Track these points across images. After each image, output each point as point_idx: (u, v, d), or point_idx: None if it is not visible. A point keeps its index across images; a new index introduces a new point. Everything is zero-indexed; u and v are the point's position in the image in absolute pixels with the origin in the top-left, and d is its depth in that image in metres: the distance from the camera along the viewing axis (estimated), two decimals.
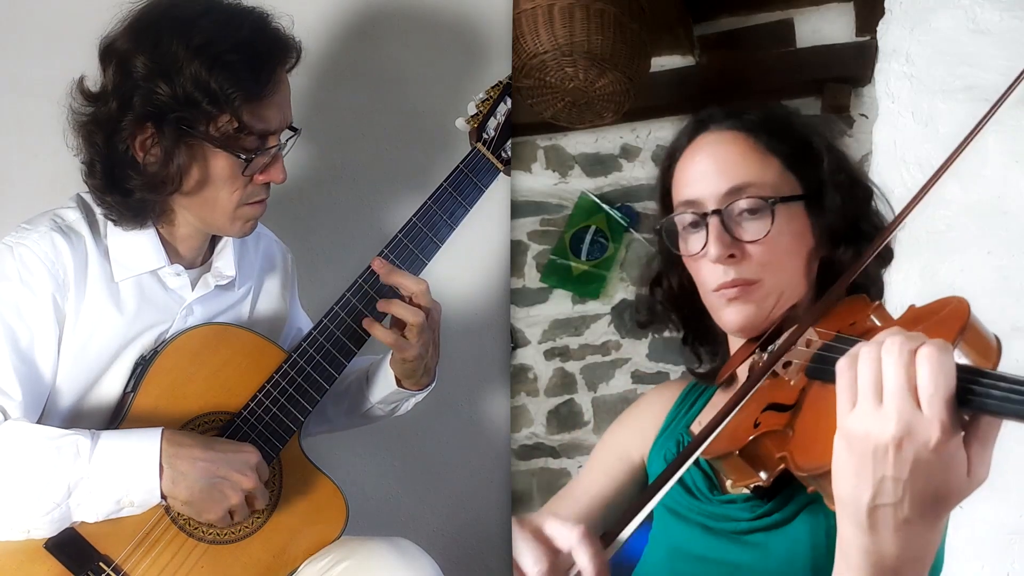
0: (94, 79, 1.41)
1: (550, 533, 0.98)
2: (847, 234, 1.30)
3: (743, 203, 1.26)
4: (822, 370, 1.08)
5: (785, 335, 1.17)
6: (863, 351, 0.92)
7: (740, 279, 1.25)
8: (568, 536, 0.97)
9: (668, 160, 1.36)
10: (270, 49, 1.41)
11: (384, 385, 1.59)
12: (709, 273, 1.27)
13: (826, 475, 0.96)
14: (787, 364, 1.13)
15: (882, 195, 1.36)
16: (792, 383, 1.12)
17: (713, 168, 1.29)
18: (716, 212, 1.26)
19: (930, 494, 0.89)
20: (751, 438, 1.10)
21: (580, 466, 1.97)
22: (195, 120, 1.36)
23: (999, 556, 1.66)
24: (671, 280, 1.38)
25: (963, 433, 0.89)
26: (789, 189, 1.28)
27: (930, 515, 0.91)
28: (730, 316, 1.27)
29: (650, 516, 1.38)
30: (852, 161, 1.37)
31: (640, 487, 1.38)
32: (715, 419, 1.09)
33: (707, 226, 1.26)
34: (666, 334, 1.95)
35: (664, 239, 1.33)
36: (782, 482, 1.14)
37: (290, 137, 1.46)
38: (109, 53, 1.39)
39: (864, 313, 1.14)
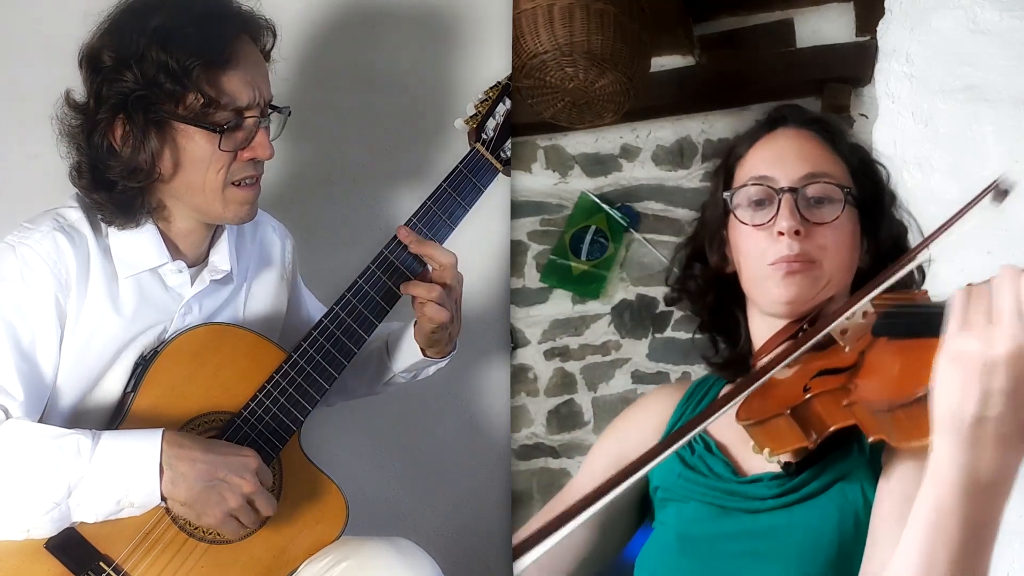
0: (82, 93, 1.43)
1: None
2: (888, 255, 1.36)
3: (817, 188, 1.32)
4: (893, 324, 1.13)
5: (845, 303, 1.22)
6: (977, 284, 0.99)
7: (802, 255, 1.30)
8: None
9: (740, 144, 1.41)
10: (226, 19, 1.43)
11: (409, 355, 1.62)
12: (769, 246, 1.32)
13: (906, 406, 1.01)
14: (843, 333, 1.18)
15: (919, 229, 1.42)
16: (848, 349, 1.17)
17: (792, 154, 1.35)
18: (791, 190, 1.31)
19: None
20: (805, 399, 1.14)
21: (580, 466, 1.97)
22: (159, 101, 1.38)
23: (999, 556, 1.65)
24: (712, 257, 1.41)
25: None
26: (854, 192, 1.35)
27: None
28: (782, 290, 1.30)
29: (651, 515, 1.39)
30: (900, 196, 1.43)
31: (639, 492, 1.39)
32: (768, 365, 1.15)
33: (778, 202, 1.31)
34: (667, 333, 1.96)
35: (726, 209, 1.37)
36: (815, 456, 1.19)
37: (271, 112, 1.46)
38: (84, 57, 1.42)
39: (910, 299, 1.18)
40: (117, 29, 1.41)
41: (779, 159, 1.35)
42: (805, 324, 1.29)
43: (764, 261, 1.32)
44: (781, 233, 1.30)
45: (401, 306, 1.57)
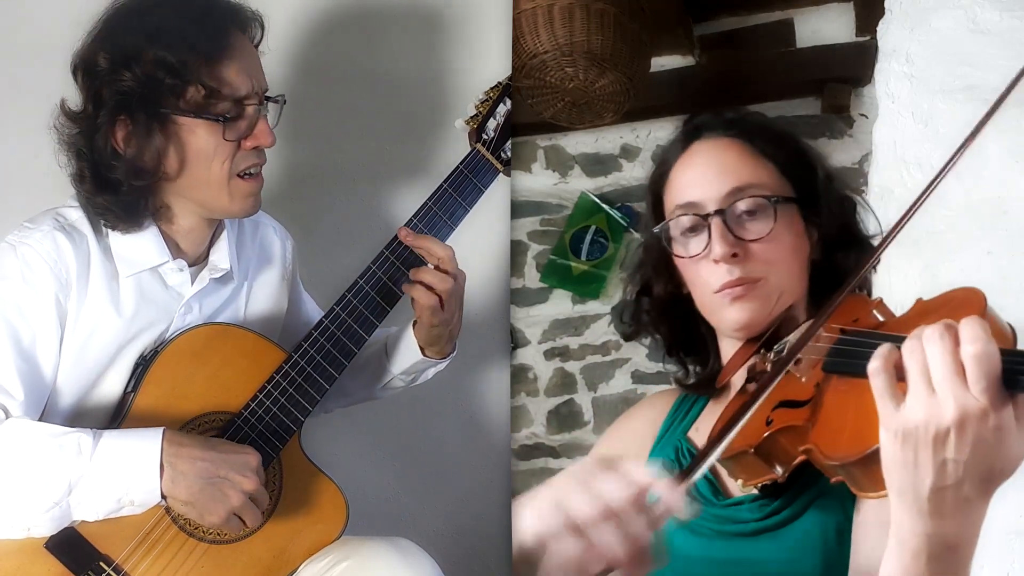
0: (77, 101, 1.44)
1: (626, 469, 1.00)
2: (839, 240, 1.31)
3: (745, 203, 1.28)
4: (841, 363, 1.09)
5: (799, 331, 1.19)
6: (904, 347, 0.94)
7: (745, 277, 1.27)
8: (643, 472, 1.00)
9: (661, 167, 1.37)
10: (219, 13, 1.44)
11: (408, 355, 1.61)
12: (711, 274, 1.28)
13: (858, 463, 0.99)
14: (797, 361, 1.14)
15: (866, 204, 1.38)
16: (804, 379, 1.13)
17: (713, 171, 1.30)
18: (718, 212, 1.27)
19: (987, 470, 0.92)
20: (766, 435, 1.12)
21: None
22: (162, 97, 1.39)
23: (999, 556, 1.66)
24: (660, 288, 1.38)
25: (1012, 409, 0.91)
26: (786, 192, 1.30)
27: (986, 491, 0.94)
28: (734, 315, 1.28)
29: None
30: (838, 172, 1.39)
31: None
32: (736, 413, 1.11)
33: (708, 228, 1.28)
34: None
35: (663, 243, 1.34)
36: (791, 479, 1.16)
37: (268, 99, 1.47)
38: (78, 64, 1.43)
39: (866, 310, 1.15)
40: (109, 32, 1.42)
41: (701, 180, 1.30)
42: (762, 344, 1.26)
43: (710, 290, 1.29)
44: (717, 261, 1.27)
45: (402, 307, 1.57)
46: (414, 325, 1.59)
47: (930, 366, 0.91)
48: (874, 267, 1.36)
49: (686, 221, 1.30)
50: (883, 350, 0.95)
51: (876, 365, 0.94)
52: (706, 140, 1.34)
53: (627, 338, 1.47)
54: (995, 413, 0.90)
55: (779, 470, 1.13)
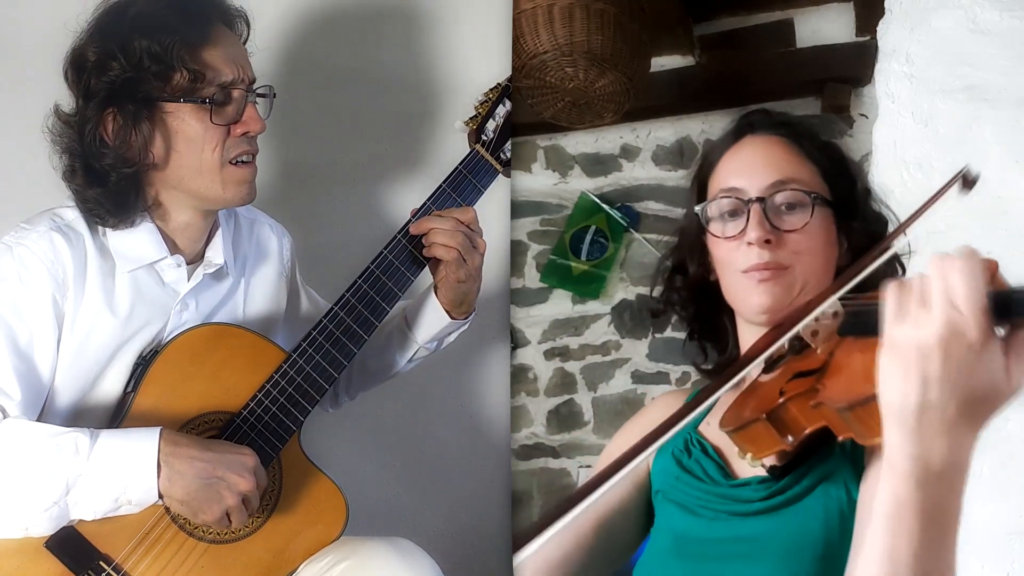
0: (71, 105, 1.46)
1: None
2: (864, 252, 1.34)
3: (785, 195, 1.33)
4: (856, 323, 1.13)
5: (799, 308, 1.22)
6: (910, 277, 0.97)
7: (773, 262, 1.31)
8: None
9: (709, 156, 1.42)
10: (202, 5, 1.46)
11: (433, 321, 1.62)
12: (742, 255, 1.33)
13: (864, 403, 1.01)
14: (814, 333, 1.17)
15: (897, 222, 1.41)
16: (819, 351, 1.17)
17: (760, 162, 1.36)
18: (759, 200, 1.33)
19: (973, 395, 0.93)
20: (778, 403, 1.14)
21: (580, 466, 1.97)
22: (149, 85, 1.41)
23: (999, 556, 1.66)
24: (692, 268, 1.43)
25: (1002, 339, 0.93)
26: (825, 196, 1.35)
27: (973, 417, 0.95)
28: (757, 298, 1.31)
29: (650, 516, 1.39)
30: (876, 191, 1.44)
31: (645, 498, 1.39)
32: (729, 373, 1.13)
33: (748, 212, 1.32)
34: (667, 333, 1.96)
35: (700, 223, 1.38)
36: (799, 458, 1.19)
37: (259, 94, 1.48)
38: (69, 63, 1.45)
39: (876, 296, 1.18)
40: (98, 29, 1.44)
41: (746, 169, 1.36)
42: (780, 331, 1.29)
43: (738, 269, 1.33)
44: (751, 243, 1.31)
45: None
46: (435, 292, 1.60)
47: (925, 285, 0.95)
48: (902, 270, 1.39)
49: (726, 204, 1.35)
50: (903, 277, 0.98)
51: (893, 284, 0.98)
52: (757, 136, 1.39)
53: (655, 315, 1.52)
54: (979, 333, 0.92)
55: (789, 439, 1.15)
